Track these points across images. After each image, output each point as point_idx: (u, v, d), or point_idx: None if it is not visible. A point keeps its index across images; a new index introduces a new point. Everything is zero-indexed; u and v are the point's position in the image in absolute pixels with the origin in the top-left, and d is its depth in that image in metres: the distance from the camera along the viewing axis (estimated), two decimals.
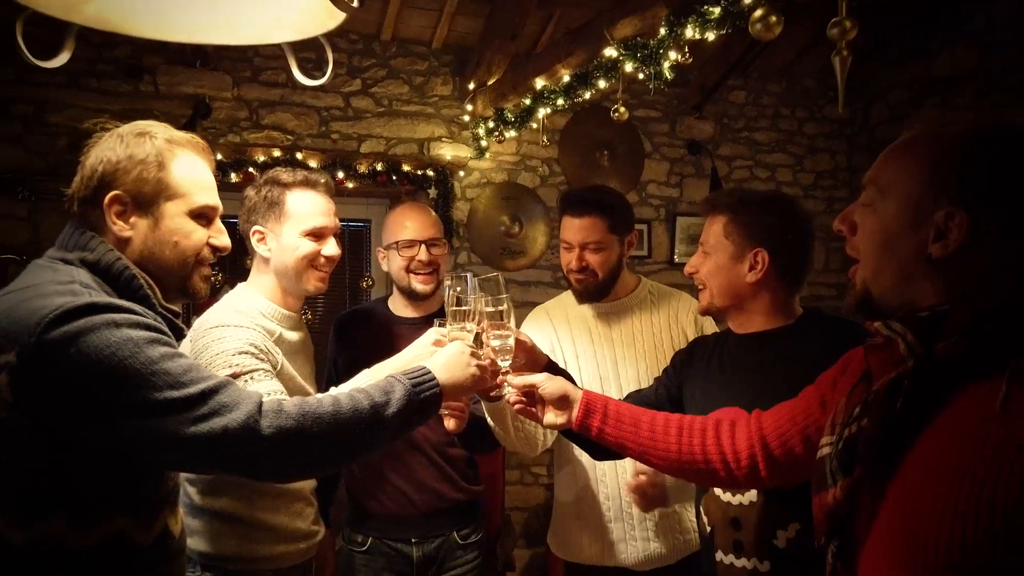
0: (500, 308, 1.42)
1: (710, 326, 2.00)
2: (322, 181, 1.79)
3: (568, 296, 2.10)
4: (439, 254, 2.07)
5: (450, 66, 3.88)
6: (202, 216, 1.28)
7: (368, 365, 1.65)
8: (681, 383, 1.66)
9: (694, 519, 1.92)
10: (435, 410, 1.30)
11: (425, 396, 1.25)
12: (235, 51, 3.45)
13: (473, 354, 1.38)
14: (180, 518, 1.30)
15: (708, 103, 4.25)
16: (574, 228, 1.94)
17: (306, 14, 1.45)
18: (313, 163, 3.55)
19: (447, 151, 3.85)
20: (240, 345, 1.54)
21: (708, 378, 1.60)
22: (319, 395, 1.19)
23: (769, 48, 3.95)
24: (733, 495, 1.49)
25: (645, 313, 2.02)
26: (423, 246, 2.04)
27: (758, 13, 1.87)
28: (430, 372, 1.29)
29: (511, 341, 1.43)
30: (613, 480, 1.95)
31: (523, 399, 1.41)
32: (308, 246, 1.72)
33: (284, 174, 1.77)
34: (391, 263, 2.09)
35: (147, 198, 1.21)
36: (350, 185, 3.64)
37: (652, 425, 1.35)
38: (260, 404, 1.09)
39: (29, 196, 3.16)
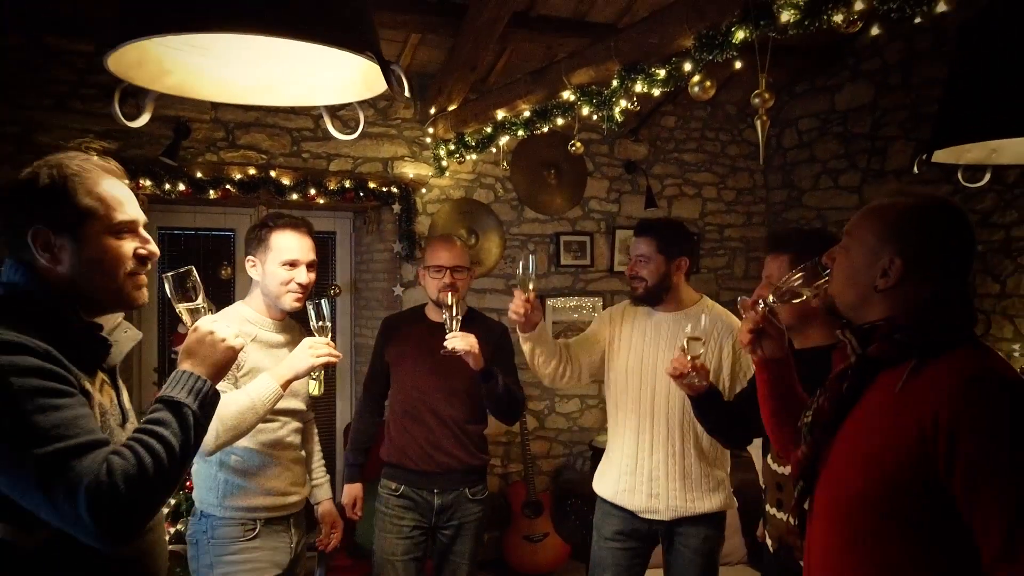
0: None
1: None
2: (302, 224, 2.25)
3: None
4: (461, 278, 2.62)
5: (412, 91, 4.21)
6: (124, 231, 1.33)
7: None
8: None
9: (681, 491, 2.43)
10: (216, 396, 1.36)
11: (203, 398, 1.31)
12: None
13: (212, 332, 1.40)
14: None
15: (643, 127, 4.73)
16: (633, 244, 2.53)
17: (346, 83, 1.77)
18: (286, 181, 3.82)
19: (410, 169, 4.19)
20: None
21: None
22: (138, 453, 1.19)
23: None
24: (780, 466, 1.93)
25: (692, 326, 2.40)
26: (449, 272, 2.59)
27: (696, 78, 2.31)
28: (187, 378, 1.32)
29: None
30: (647, 447, 2.47)
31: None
32: (285, 274, 2.18)
33: (272, 218, 2.24)
34: (426, 281, 2.67)
35: (66, 227, 1.27)
36: (321, 201, 3.92)
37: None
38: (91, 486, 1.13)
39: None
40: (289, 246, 2.18)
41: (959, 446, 1.13)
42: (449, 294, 2.47)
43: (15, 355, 1.15)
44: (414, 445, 2.64)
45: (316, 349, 2.03)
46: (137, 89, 1.65)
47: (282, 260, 2.17)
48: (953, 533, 1.16)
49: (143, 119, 1.71)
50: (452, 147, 3.98)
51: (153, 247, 1.39)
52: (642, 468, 2.47)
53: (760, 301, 1.57)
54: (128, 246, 1.34)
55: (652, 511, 2.46)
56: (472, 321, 2.63)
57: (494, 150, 3.81)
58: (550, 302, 4.52)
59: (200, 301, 1.47)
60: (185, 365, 1.36)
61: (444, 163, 4.13)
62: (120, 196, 1.35)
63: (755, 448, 2.72)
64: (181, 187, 3.57)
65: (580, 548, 4.06)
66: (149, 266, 1.39)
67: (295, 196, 3.82)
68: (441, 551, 2.72)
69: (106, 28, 3.35)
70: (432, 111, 4.04)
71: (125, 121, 1.68)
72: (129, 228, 1.35)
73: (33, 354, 1.17)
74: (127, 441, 1.21)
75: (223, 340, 1.40)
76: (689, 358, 1.94)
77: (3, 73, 3.35)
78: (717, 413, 2.10)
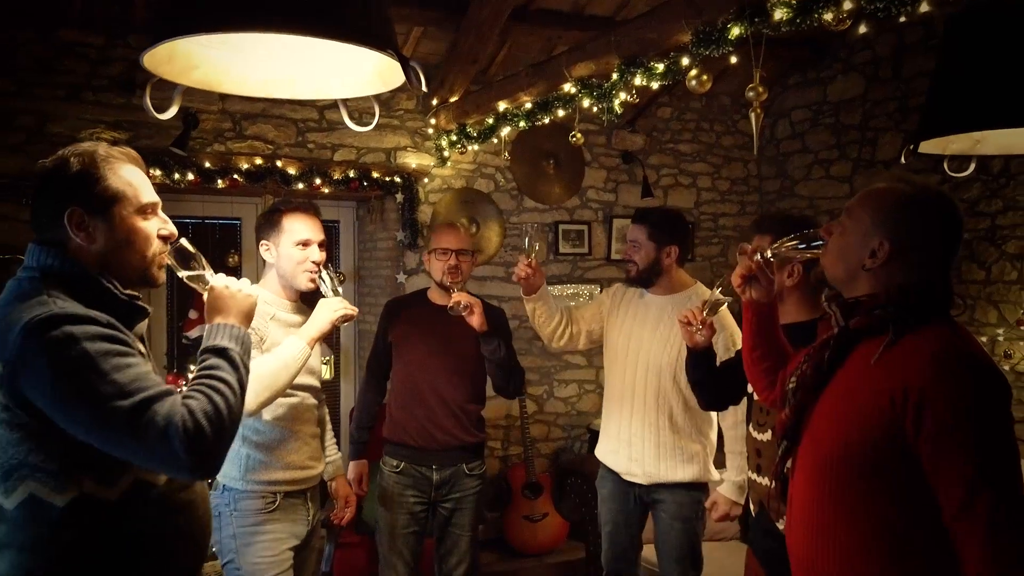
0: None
1: (726, 325, 2.62)
2: (311, 206, 2.39)
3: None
4: (464, 261, 2.80)
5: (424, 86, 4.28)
6: (147, 212, 1.44)
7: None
8: None
9: (655, 459, 2.64)
10: (250, 339, 1.50)
11: (242, 341, 1.45)
12: None
13: (227, 287, 1.54)
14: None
15: (639, 118, 4.83)
16: (629, 231, 2.79)
17: (362, 77, 1.87)
18: (292, 171, 3.89)
19: (412, 160, 4.28)
20: None
21: None
22: (206, 402, 1.31)
23: None
24: (760, 433, 2.07)
25: (677, 309, 2.56)
26: (454, 255, 2.76)
27: (693, 72, 2.41)
28: (222, 327, 1.45)
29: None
30: (628, 417, 2.73)
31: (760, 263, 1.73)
32: (299, 253, 2.31)
33: (282, 203, 2.39)
34: (432, 264, 2.82)
35: (99, 207, 1.37)
36: (325, 190, 4.00)
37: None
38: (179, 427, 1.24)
39: (31, 201, 3.42)
40: (301, 227, 2.32)
41: (925, 415, 1.25)
42: (453, 275, 2.67)
43: (83, 324, 1.26)
44: (414, 423, 2.78)
45: (333, 305, 2.20)
46: (156, 81, 1.73)
47: (295, 240, 2.30)
48: (923, 492, 1.28)
49: (171, 111, 1.80)
50: (454, 138, 4.07)
51: (172, 227, 1.51)
52: (624, 434, 2.74)
53: (758, 252, 1.70)
54: (154, 226, 1.46)
55: (631, 474, 2.74)
56: None
57: (495, 141, 3.91)
58: (548, 289, 4.62)
59: (205, 269, 1.58)
60: (216, 319, 1.48)
61: (446, 153, 4.22)
62: (142, 181, 1.47)
63: None
64: (190, 177, 3.65)
65: (579, 527, 4.19)
66: (167, 246, 1.50)
67: (300, 185, 3.90)
68: (441, 524, 2.86)
69: (121, 25, 3.46)
70: (434, 102, 4.13)
71: (155, 113, 1.77)
72: (153, 209, 1.46)
73: (97, 323, 1.29)
74: (192, 387, 1.34)
75: (239, 290, 1.54)
76: (704, 313, 2.07)
77: (17, 65, 3.43)
78: (704, 370, 2.28)
